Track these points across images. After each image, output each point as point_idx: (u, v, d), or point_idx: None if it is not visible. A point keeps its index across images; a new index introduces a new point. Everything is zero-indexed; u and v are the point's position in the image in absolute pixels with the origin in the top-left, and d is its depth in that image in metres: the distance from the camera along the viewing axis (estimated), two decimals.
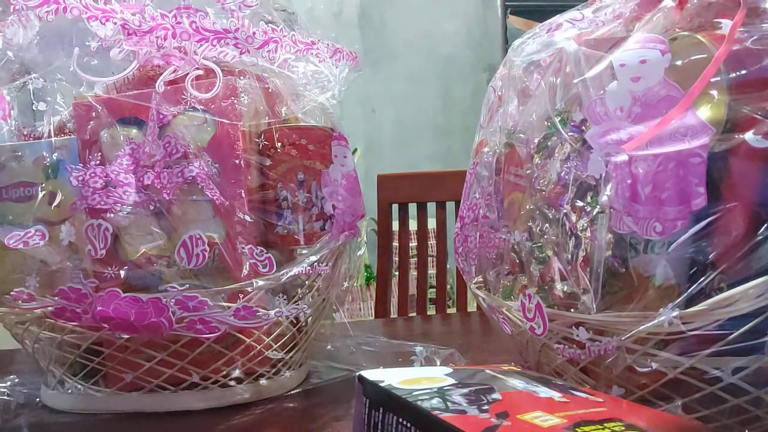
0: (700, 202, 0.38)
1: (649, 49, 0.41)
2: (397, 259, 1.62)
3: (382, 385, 0.34)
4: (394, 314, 1.36)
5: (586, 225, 0.43)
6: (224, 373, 0.61)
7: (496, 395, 0.33)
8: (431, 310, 1.42)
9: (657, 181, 0.39)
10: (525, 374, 0.40)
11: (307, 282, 0.65)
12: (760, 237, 0.37)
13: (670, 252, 0.40)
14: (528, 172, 0.49)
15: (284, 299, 0.61)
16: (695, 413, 0.40)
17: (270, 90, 0.65)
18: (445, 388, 0.34)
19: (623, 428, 0.28)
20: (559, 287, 0.45)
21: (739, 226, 0.38)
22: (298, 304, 0.62)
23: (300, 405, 0.63)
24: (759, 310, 0.36)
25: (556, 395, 0.34)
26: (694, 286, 0.38)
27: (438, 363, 0.70)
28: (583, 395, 0.35)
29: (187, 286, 0.57)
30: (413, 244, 1.45)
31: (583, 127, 0.44)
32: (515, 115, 0.52)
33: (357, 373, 0.37)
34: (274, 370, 0.65)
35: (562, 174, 0.45)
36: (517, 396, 0.34)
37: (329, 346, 0.78)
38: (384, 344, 0.79)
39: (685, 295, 0.38)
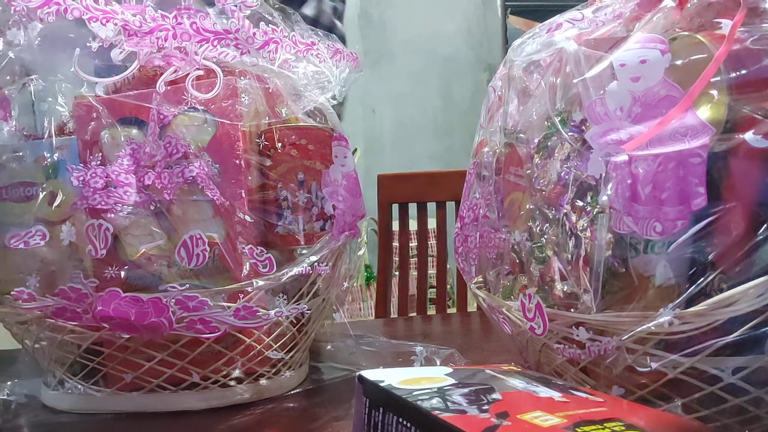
0: (700, 202, 0.38)
1: (649, 49, 0.41)
2: (397, 259, 1.63)
3: (382, 385, 0.34)
4: (394, 314, 1.36)
5: (586, 225, 0.43)
6: (224, 373, 0.61)
7: (496, 395, 0.33)
8: (431, 310, 1.42)
9: (657, 181, 0.39)
10: (525, 374, 0.40)
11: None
12: (760, 237, 0.37)
13: (670, 252, 0.40)
14: (528, 172, 0.49)
15: (284, 299, 0.61)
16: (695, 413, 0.40)
17: (270, 90, 0.65)
18: (445, 388, 0.34)
19: (623, 428, 0.28)
20: (559, 287, 0.45)
21: (739, 226, 0.38)
22: (298, 304, 0.63)
23: (300, 405, 0.63)
24: (759, 310, 0.36)
25: (556, 395, 0.34)
26: (694, 286, 0.38)
27: (438, 363, 0.70)
28: (583, 395, 0.35)
29: (187, 286, 0.57)
30: (413, 244, 1.45)
31: (583, 127, 0.44)
32: (515, 115, 0.52)
33: (357, 373, 0.37)
34: (274, 370, 0.65)
35: (562, 174, 0.45)
36: (517, 396, 0.34)
37: (329, 346, 0.78)
38: (384, 344, 0.79)
39: (685, 295, 0.38)
